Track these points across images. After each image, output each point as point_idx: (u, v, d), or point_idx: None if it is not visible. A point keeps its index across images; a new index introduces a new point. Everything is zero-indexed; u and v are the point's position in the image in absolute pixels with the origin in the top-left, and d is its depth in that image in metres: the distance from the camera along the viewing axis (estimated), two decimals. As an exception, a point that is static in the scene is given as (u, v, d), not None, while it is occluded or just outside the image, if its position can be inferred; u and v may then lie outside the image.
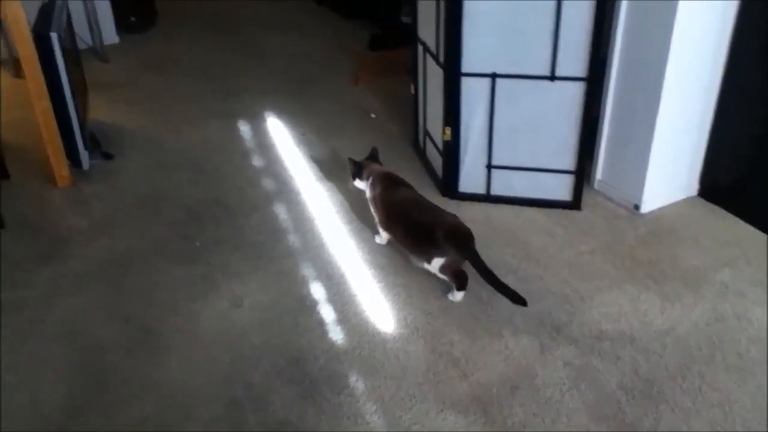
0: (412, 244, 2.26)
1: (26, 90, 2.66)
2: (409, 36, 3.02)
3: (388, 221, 2.35)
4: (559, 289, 2.20)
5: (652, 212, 2.58)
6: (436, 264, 2.13)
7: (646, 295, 2.16)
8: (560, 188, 2.60)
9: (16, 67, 4.08)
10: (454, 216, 2.22)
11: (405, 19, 4.34)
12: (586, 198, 2.63)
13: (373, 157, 2.58)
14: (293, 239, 2.49)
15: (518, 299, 2.04)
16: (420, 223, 2.20)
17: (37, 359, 1.97)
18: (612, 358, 1.92)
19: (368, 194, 2.46)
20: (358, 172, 2.49)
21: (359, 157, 2.55)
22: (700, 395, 1.80)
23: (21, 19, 2.54)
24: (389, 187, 2.38)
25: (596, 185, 2.73)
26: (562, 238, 2.45)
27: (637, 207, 2.58)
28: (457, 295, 2.15)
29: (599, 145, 2.66)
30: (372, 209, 2.43)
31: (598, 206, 2.63)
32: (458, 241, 2.10)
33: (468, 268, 2.09)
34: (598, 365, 1.90)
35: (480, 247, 2.29)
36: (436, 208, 2.27)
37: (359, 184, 2.51)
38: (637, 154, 2.51)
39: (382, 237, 2.40)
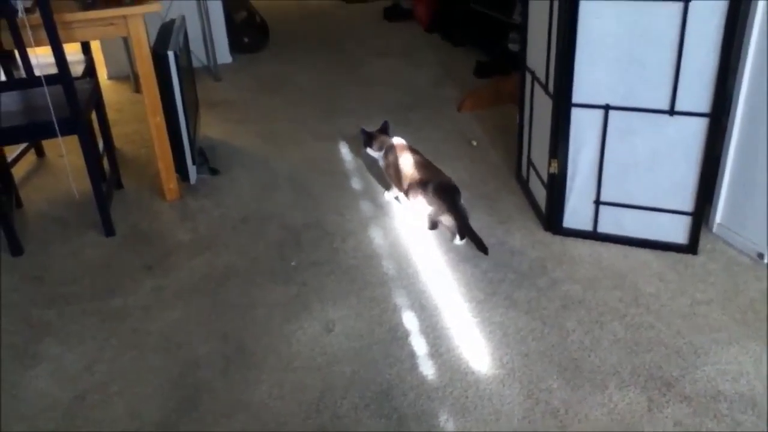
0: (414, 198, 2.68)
1: (143, 104, 2.79)
2: (515, 64, 2.95)
3: (401, 183, 2.77)
4: (671, 340, 2.03)
5: (778, 262, 2.36)
6: (431, 211, 2.61)
7: (770, 355, 1.96)
8: (675, 230, 2.43)
9: (136, 82, 4.34)
10: (449, 177, 2.69)
11: (512, 47, 4.28)
12: (704, 242, 2.45)
13: (385, 130, 2.98)
14: (388, 266, 2.46)
15: (483, 248, 2.48)
16: (420, 181, 2.66)
17: (137, 369, 2.02)
18: (730, 422, 1.75)
19: (382, 162, 2.90)
20: (369, 142, 2.93)
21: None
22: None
23: (143, 38, 2.67)
24: (401, 154, 2.83)
25: (715, 229, 2.53)
26: (675, 285, 2.28)
27: (761, 256, 2.36)
28: (457, 240, 2.57)
29: (720, 186, 2.47)
30: (386, 174, 2.91)
31: (717, 252, 2.44)
32: (443, 194, 2.58)
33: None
34: (714, 429, 1.73)
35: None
36: (436, 169, 2.73)
37: (371, 152, 2.94)
38: (764, 198, 2.31)
39: (393, 194, 2.79)
